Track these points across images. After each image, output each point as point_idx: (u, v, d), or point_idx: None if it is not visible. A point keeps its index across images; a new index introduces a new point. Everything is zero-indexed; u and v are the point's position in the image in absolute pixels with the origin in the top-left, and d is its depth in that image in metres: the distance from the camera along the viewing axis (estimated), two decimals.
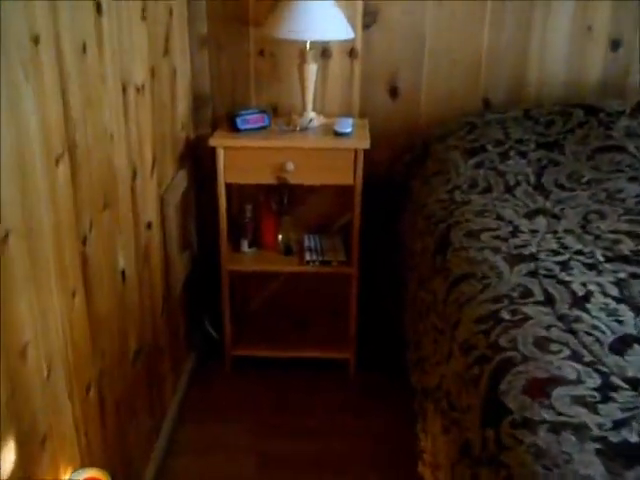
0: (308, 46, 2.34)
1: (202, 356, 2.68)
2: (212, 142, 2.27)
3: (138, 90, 1.83)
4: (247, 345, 2.61)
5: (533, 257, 1.64)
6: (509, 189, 2.05)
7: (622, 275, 1.53)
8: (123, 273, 1.74)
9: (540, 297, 1.45)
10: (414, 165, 2.44)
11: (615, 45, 2.52)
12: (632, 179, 2.05)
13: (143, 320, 1.93)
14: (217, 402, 2.45)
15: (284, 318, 2.77)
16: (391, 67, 2.54)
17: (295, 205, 2.65)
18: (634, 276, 1.53)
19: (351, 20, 2.40)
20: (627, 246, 1.69)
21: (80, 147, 1.42)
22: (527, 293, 1.47)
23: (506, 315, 1.40)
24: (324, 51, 2.52)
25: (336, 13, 2.27)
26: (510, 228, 1.80)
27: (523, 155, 2.17)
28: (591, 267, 1.57)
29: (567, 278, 1.53)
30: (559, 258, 1.63)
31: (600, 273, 1.55)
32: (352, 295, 2.47)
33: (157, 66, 2.03)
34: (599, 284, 1.49)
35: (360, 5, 2.47)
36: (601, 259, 1.62)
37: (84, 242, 1.46)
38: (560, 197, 1.99)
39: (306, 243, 2.55)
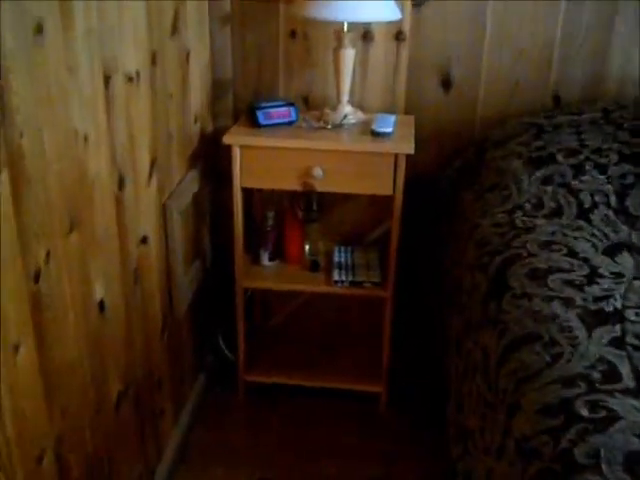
0: (346, 28, 1.97)
1: (213, 378, 2.37)
2: (227, 139, 1.93)
3: (130, 79, 1.50)
4: (263, 370, 2.29)
5: (619, 316, 1.25)
6: (584, 213, 1.65)
7: None
8: (101, 304, 1.42)
9: (630, 382, 1.07)
10: (465, 173, 2.05)
11: None
12: None
13: (131, 354, 1.61)
14: (224, 439, 2.13)
15: (307, 340, 2.43)
16: (444, 54, 2.15)
17: (325, 211, 2.30)
18: None
19: None
20: None
21: (29, 157, 1.09)
22: (612, 374, 1.10)
23: (583, 410, 1.02)
24: (365, 34, 2.14)
25: None
26: (586, 269, 1.41)
27: (602, 169, 1.77)
28: None
29: None
30: None
31: None
32: (386, 322, 2.11)
33: (161, 48, 1.69)
34: None
35: None
36: None
37: (36, 279, 1.14)
38: None
39: (336, 257, 2.19)
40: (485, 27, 2.11)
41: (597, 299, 1.31)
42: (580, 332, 1.21)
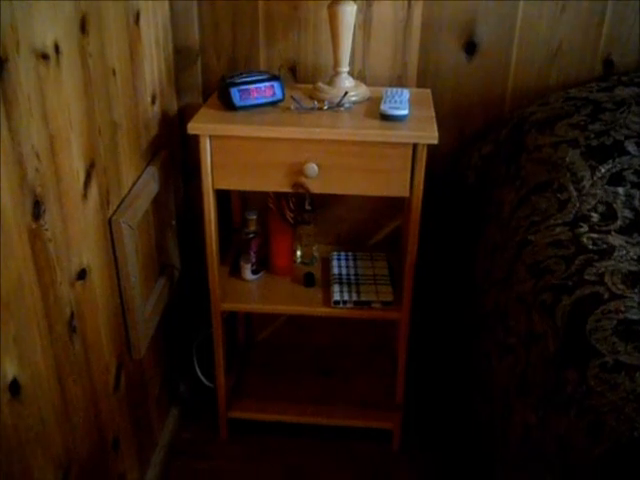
0: None
1: (189, 412, 1.96)
2: (193, 128, 1.47)
3: (44, 57, 1.04)
4: (249, 404, 1.87)
5: None
6: None
7: None
8: (14, 385, 0.99)
9: None
10: (498, 163, 1.62)
11: None
12: None
13: (69, 432, 1.19)
14: None
15: (303, 364, 2.01)
16: (468, 9, 1.70)
17: (319, 210, 1.86)
18: None
19: None
20: None
21: None
22: None
23: None
24: None
25: None
26: None
27: None
28: None
29: None
30: None
31: None
32: (401, 348, 1.70)
33: (95, 10, 1.22)
34: None
35: None
36: None
37: None
38: None
39: (335, 269, 1.76)
40: None
41: None
42: None
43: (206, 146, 1.48)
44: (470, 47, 1.73)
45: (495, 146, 1.67)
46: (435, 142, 1.43)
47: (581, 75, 1.73)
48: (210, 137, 1.48)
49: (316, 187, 1.50)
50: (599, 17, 1.68)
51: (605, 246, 1.19)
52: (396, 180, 1.48)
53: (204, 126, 1.47)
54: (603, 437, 0.88)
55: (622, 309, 1.04)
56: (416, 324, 1.75)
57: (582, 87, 1.65)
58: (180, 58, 1.76)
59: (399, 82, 1.76)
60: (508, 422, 1.17)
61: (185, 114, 1.79)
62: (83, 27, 1.17)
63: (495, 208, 1.51)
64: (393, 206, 1.85)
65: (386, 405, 1.82)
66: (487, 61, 1.74)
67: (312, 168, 1.47)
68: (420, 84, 1.77)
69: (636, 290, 1.07)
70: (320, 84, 1.63)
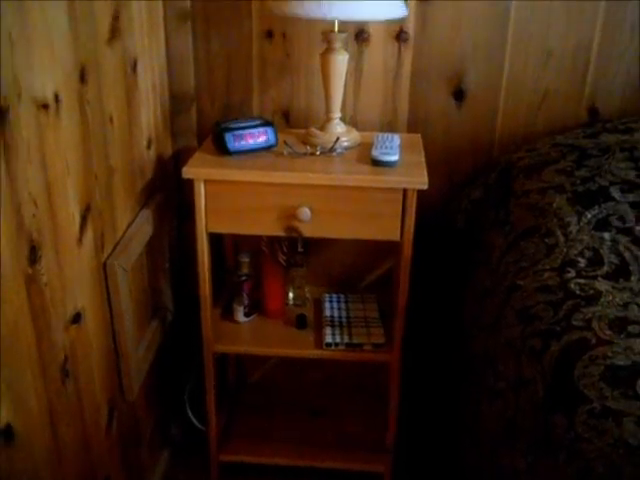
0: (336, 27, 1.56)
1: (180, 454, 1.95)
2: (187, 172, 1.50)
3: (45, 107, 1.07)
4: (240, 446, 1.87)
5: None
6: None
7: None
8: (8, 431, 1.00)
9: None
10: (487, 207, 1.65)
11: None
12: None
13: (59, 473, 1.19)
14: None
15: (294, 406, 2.01)
16: (457, 58, 1.75)
17: (312, 252, 1.88)
18: None
19: None
20: None
21: None
22: None
23: None
24: (359, 33, 1.73)
25: None
26: None
27: None
28: None
29: None
30: None
31: None
32: (392, 390, 1.70)
33: (93, 59, 1.26)
34: None
35: None
36: None
37: None
38: None
39: (327, 310, 1.78)
40: (507, 25, 1.71)
41: None
42: None
43: (200, 190, 1.51)
44: (459, 94, 1.78)
45: (484, 191, 1.71)
46: (425, 187, 1.46)
47: (567, 122, 1.78)
48: (204, 181, 1.50)
49: (309, 231, 1.53)
50: (583, 67, 1.73)
51: (592, 292, 1.21)
52: (387, 224, 1.51)
53: (198, 170, 1.50)
54: None
55: (609, 355, 1.06)
56: (407, 366, 1.76)
57: (568, 133, 1.69)
58: (176, 103, 1.80)
59: (390, 128, 1.80)
60: (496, 467, 1.18)
61: (180, 158, 1.82)
62: (82, 77, 1.20)
63: (484, 253, 1.53)
64: (384, 249, 1.87)
65: (377, 448, 1.82)
66: (475, 107, 1.79)
67: (305, 212, 1.49)
68: (410, 129, 1.81)
69: (622, 336, 1.09)
70: (313, 129, 1.66)
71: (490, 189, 1.68)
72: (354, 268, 1.93)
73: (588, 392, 1.01)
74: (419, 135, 1.75)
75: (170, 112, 1.80)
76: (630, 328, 1.11)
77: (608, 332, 1.11)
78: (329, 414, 1.98)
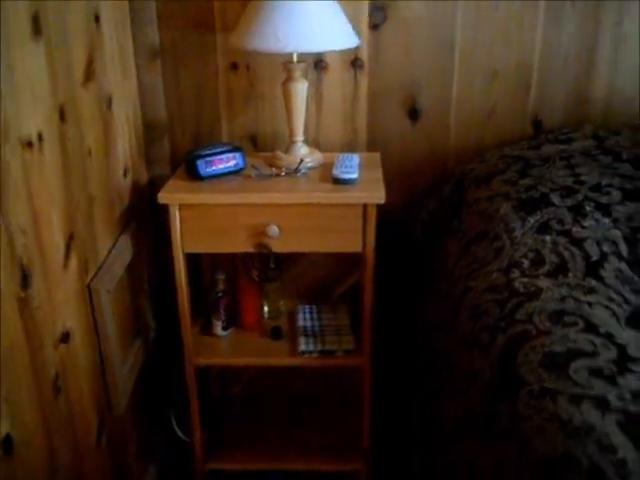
0: (295, 57, 1.69)
1: (167, 468, 2.05)
2: (162, 198, 1.62)
3: (29, 145, 1.18)
4: (225, 454, 1.97)
5: None
6: (593, 268, 1.38)
7: None
8: (7, 441, 1.10)
9: None
10: (443, 217, 1.78)
11: None
12: None
13: None
14: None
15: (275, 413, 2.12)
16: (409, 81, 1.89)
17: (285, 267, 2.00)
18: None
19: (353, 18, 1.74)
20: None
21: None
22: None
23: None
24: (318, 62, 1.86)
25: (331, 11, 1.61)
26: (613, 351, 1.14)
27: (605, 211, 1.51)
28: None
29: None
30: None
31: None
32: (365, 394, 1.82)
33: (71, 100, 1.37)
34: None
35: None
36: None
37: None
38: None
39: (300, 320, 1.90)
40: (453, 50, 1.85)
41: (637, 395, 1.04)
42: (628, 454, 0.94)
43: (175, 214, 1.62)
44: (413, 114, 1.92)
45: (439, 202, 1.84)
46: (382, 202, 1.59)
47: (514, 134, 1.92)
48: (179, 205, 1.62)
49: (278, 247, 1.65)
50: (526, 84, 1.88)
51: (534, 289, 1.34)
52: (350, 237, 1.63)
53: (173, 196, 1.61)
54: (532, 457, 1.01)
55: (547, 343, 1.18)
56: (381, 370, 1.87)
57: (514, 145, 1.83)
58: (149, 133, 1.92)
59: (350, 147, 1.93)
60: (456, 454, 1.29)
61: (155, 184, 1.93)
62: (62, 116, 1.32)
63: (441, 259, 1.66)
64: (352, 261, 1.99)
65: (354, 449, 1.93)
66: (429, 125, 1.93)
67: (273, 229, 1.61)
68: (370, 148, 1.94)
69: (559, 326, 1.22)
70: (278, 153, 1.79)
71: (445, 199, 1.81)
72: (325, 280, 2.05)
73: (528, 377, 1.13)
74: (378, 154, 1.88)
75: (144, 142, 1.91)
76: (566, 319, 1.24)
77: (547, 324, 1.23)
78: (309, 420, 2.08)
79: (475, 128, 1.93)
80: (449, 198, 1.81)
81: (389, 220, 1.91)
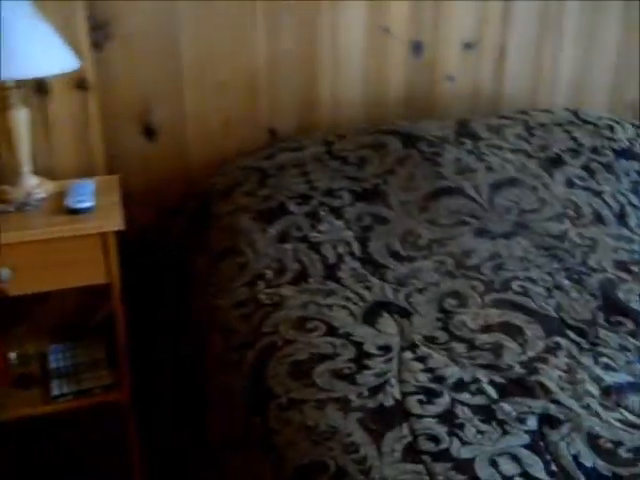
0: (12, 84, 1.57)
1: None
2: None
3: None
4: None
5: (402, 411, 1.08)
6: (331, 271, 1.47)
7: None
8: None
9: None
10: (192, 234, 1.77)
11: (417, 49, 2.04)
12: (479, 232, 1.58)
13: None
14: None
15: (48, 467, 1.95)
16: (142, 98, 1.84)
17: (28, 305, 1.85)
18: None
19: (72, 39, 1.65)
20: (516, 357, 1.20)
21: None
22: None
23: None
24: (39, 86, 1.74)
25: (43, 33, 1.52)
26: (352, 350, 1.22)
27: (338, 214, 1.61)
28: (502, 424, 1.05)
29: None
30: (443, 407, 1.08)
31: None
32: (131, 433, 1.75)
33: None
34: None
35: (82, 14, 1.72)
36: (495, 395, 1.10)
37: None
38: (399, 273, 1.45)
39: (52, 362, 1.77)
40: (181, 62, 1.84)
41: (373, 391, 1.12)
42: (368, 449, 1.00)
43: None
44: (149, 131, 1.87)
45: (188, 219, 1.82)
46: (121, 228, 1.54)
47: (252, 144, 1.95)
48: None
49: (14, 289, 1.52)
50: (256, 92, 1.92)
51: (278, 298, 1.38)
52: (92, 269, 1.56)
53: None
54: (285, 468, 1.04)
55: (292, 352, 1.23)
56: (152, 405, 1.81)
57: (252, 156, 1.87)
58: None
59: (88, 172, 1.83)
60: (222, 470, 1.29)
61: None
62: None
63: (193, 279, 1.65)
64: (104, 290, 1.91)
65: None
66: (168, 141, 1.90)
67: (4, 273, 1.48)
68: (110, 171, 1.85)
69: (303, 333, 1.27)
70: (4, 187, 1.65)
71: (192, 216, 1.80)
72: (78, 314, 1.93)
73: (277, 389, 1.17)
74: (116, 177, 1.81)
75: None
76: (309, 325, 1.30)
77: (292, 332, 1.28)
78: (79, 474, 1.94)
79: (214, 141, 1.94)
80: (196, 215, 1.80)
81: (142, 243, 1.86)
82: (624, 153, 1.88)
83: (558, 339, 1.26)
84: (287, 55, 1.93)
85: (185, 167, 1.93)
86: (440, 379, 1.14)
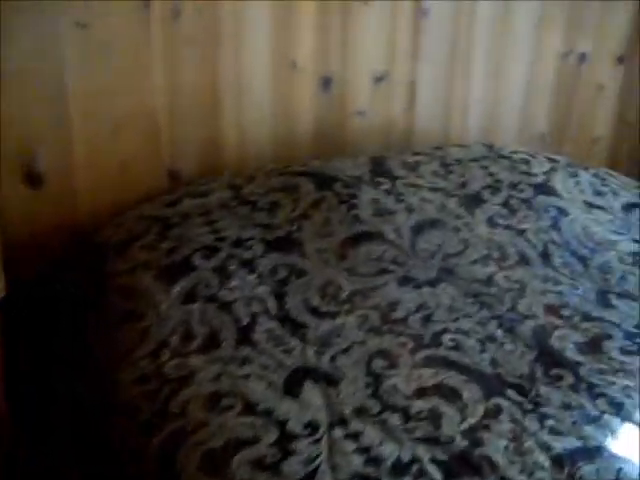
0: None
1: None
2: None
3: None
4: None
5: None
6: (245, 334, 1.31)
7: None
8: None
9: None
10: (83, 293, 1.56)
11: (326, 83, 1.94)
12: (403, 281, 1.46)
13: None
14: None
15: None
16: (23, 143, 1.63)
17: None
18: None
19: None
20: (456, 426, 1.08)
21: None
22: None
23: None
24: None
25: None
26: (274, 432, 1.07)
27: (250, 267, 1.45)
28: None
29: None
30: None
31: None
32: None
33: None
34: None
35: None
36: (439, 478, 0.98)
37: None
38: (321, 332, 1.31)
39: None
40: (67, 100, 1.65)
41: None
42: None
43: None
44: (33, 179, 1.67)
45: (79, 277, 1.62)
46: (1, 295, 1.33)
47: (152, 190, 1.78)
48: None
49: None
50: (155, 131, 1.76)
51: (186, 371, 1.21)
52: None
53: None
54: None
55: (205, 438, 1.06)
56: None
57: (152, 203, 1.69)
58: None
59: None
60: None
61: None
62: None
63: (82, 349, 1.44)
64: None
65: None
66: (54, 189, 1.69)
67: None
68: None
69: (216, 413, 1.11)
70: None
71: (84, 275, 1.60)
72: None
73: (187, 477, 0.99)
74: None
75: None
76: (223, 402, 1.14)
77: (203, 413, 1.12)
78: None
79: (107, 186, 1.74)
80: (88, 270, 1.60)
81: (24, 304, 1.64)
82: (541, 187, 1.83)
83: (499, 400, 1.15)
84: (188, 90, 1.78)
85: (74, 218, 1.73)
86: (376, 461, 1.01)
